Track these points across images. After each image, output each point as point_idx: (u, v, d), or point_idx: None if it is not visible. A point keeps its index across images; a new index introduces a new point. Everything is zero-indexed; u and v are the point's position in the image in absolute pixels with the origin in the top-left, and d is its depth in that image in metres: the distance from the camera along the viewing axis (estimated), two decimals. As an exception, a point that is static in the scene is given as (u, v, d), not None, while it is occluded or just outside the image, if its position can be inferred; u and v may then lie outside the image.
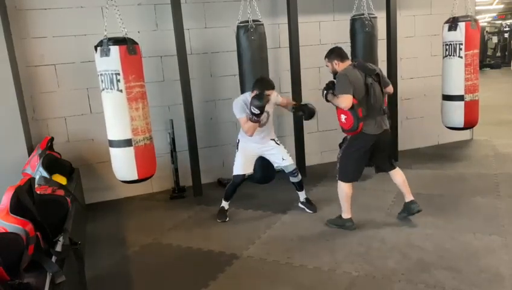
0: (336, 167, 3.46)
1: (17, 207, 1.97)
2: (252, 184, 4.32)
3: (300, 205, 4.01)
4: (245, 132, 3.61)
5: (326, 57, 3.42)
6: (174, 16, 4.23)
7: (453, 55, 4.63)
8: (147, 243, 3.57)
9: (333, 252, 3.13)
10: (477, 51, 4.63)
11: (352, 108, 3.13)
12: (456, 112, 4.72)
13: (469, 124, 4.86)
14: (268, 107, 3.65)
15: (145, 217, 4.15)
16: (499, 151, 5.52)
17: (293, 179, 3.91)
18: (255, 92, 3.53)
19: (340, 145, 3.56)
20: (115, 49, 3.43)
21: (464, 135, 6.04)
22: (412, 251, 3.07)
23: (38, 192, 2.61)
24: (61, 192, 3.07)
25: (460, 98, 4.66)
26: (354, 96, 3.12)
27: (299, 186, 3.96)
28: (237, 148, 3.83)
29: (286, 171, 3.88)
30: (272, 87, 3.59)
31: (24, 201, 2.07)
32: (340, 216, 3.52)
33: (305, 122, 4.88)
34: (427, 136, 5.89)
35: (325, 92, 3.39)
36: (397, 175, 3.54)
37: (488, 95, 8.09)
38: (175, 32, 4.25)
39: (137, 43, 3.61)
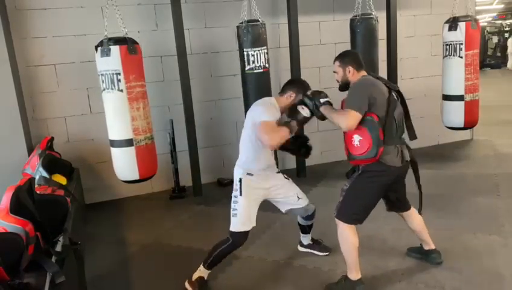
0: (339, 201, 2.62)
1: (17, 207, 1.97)
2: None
3: (305, 249, 3.20)
4: (269, 139, 2.45)
5: (338, 59, 2.62)
6: (174, 15, 4.23)
7: (453, 55, 4.62)
8: (147, 243, 3.57)
9: (333, 252, 3.12)
10: (477, 50, 4.63)
11: (371, 127, 2.38)
12: (456, 112, 4.72)
13: (469, 124, 4.85)
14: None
15: (145, 217, 4.15)
16: (499, 151, 5.52)
17: (308, 222, 3.03)
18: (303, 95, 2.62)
19: (348, 175, 2.67)
20: (115, 49, 3.43)
21: (464, 135, 6.04)
22: (412, 251, 3.07)
23: (38, 192, 2.61)
24: (61, 192, 3.07)
25: (460, 98, 4.66)
26: (374, 112, 2.40)
27: (309, 228, 3.11)
28: (239, 192, 2.66)
29: (305, 214, 2.94)
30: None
31: (24, 201, 2.07)
32: (346, 277, 2.64)
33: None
34: (427, 136, 5.87)
35: (317, 102, 2.52)
36: (415, 218, 2.82)
37: (488, 95, 8.08)
38: (175, 32, 4.25)
39: (137, 43, 3.61)
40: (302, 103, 2.57)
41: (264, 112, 2.53)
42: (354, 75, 2.55)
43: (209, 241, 3.46)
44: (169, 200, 4.56)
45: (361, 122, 2.38)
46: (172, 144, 4.59)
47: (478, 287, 2.60)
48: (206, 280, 2.76)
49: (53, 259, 1.99)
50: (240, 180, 2.66)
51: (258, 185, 2.69)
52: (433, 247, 2.87)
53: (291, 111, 2.58)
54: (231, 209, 2.67)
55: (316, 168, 5.21)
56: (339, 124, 2.41)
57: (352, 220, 2.56)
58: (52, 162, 3.64)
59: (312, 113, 2.53)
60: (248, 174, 2.66)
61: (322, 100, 2.54)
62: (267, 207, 4.06)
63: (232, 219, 2.66)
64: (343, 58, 2.60)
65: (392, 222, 3.57)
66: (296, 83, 2.75)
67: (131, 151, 3.59)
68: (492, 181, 4.41)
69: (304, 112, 2.51)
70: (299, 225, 3.09)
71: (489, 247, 3.07)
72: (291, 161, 5.10)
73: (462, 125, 4.79)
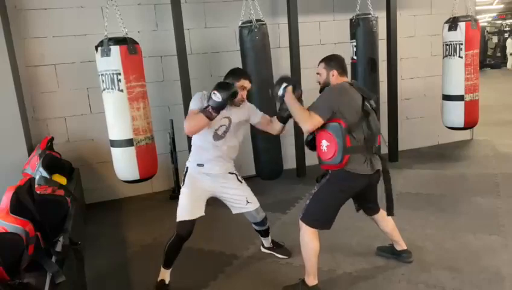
0: (305, 204, 2.64)
1: (17, 207, 1.97)
2: (251, 184, 4.31)
3: (266, 250, 3.20)
4: (186, 125, 2.51)
5: (324, 62, 2.61)
6: (174, 16, 4.22)
7: (453, 55, 4.62)
8: (147, 243, 3.57)
9: (333, 252, 3.13)
10: (477, 50, 4.63)
11: (338, 133, 2.37)
12: (456, 112, 4.73)
13: (469, 124, 4.86)
14: (237, 119, 2.68)
15: (145, 217, 4.15)
16: (499, 151, 5.52)
17: (261, 227, 3.06)
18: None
19: (318, 180, 2.69)
20: (115, 49, 3.43)
21: (464, 135, 6.05)
22: (412, 251, 3.06)
23: (38, 192, 2.61)
24: (61, 192, 3.07)
25: (460, 98, 4.66)
26: (341, 119, 2.37)
27: (266, 233, 3.13)
28: (182, 181, 2.74)
29: (254, 220, 2.97)
30: (249, 77, 2.70)
31: (24, 201, 2.07)
32: (303, 282, 2.63)
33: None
34: (427, 136, 5.89)
35: (282, 86, 2.55)
36: (386, 220, 2.85)
37: (488, 95, 8.09)
38: (175, 32, 4.25)
39: (137, 43, 3.61)
40: (221, 85, 2.48)
41: (193, 101, 2.61)
42: (336, 79, 2.57)
43: (209, 241, 3.48)
44: (169, 200, 4.55)
45: (329, 128, 2.41)
46: (172, 144, 4.59)
47: (478, 287, 2.60)
48: (167, 284, 2.76)
49: (53, 259, 1.99)
50: (186, 169, 2.75)
51: (201, 180, 2.72)
52: (405, 247, 2.94)
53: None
54: None
55: (316, 168, 5.18)
56: (301, 123, 2.43)
57: (314, 224, 2.55)
58: (52, 162, 3.64)
59: (221, 102, 2.42)
60: (198, 165, 2.72)
61: (281, 88, 2.53)
62: (267, 207, 4.07)
63: (177, 210, 2.68)
64: (330, 61, 2.60)
65: (392, 222, 3.57)
66: (229, 72, 2.70)
67: (131, 151, 3.58)
68: (492, 181, 4.41)
69: (215, 96, 2.41)
70: (255, 229, 3.11)
71: (489, 247, 3.07)
72: (291, 161, 5.10)
73: (462, 125, 4.80)
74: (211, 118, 2.45)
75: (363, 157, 2.46)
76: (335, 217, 2.58)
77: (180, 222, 2.64)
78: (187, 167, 2.76)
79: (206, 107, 2.44)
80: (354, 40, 4.55)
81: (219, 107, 2.43)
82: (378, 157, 2.56)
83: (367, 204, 2.83)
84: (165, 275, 2.76)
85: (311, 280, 2.60)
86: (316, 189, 2.61)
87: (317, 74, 2.65)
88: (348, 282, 2.76)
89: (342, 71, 2.59)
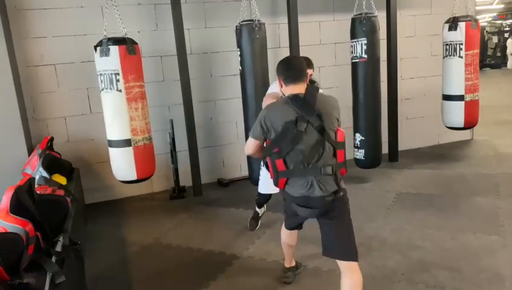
0: None
1: (17, 207, 1.97)
2: (252, 184, 4.31)
3: None
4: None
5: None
6: (174, 16, 4.23)
7: (453, 55, 4.62)
8: (147, 243, 3.57)
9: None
10: (477, 50, 4.63)
11: (271, 156, 2.14)
12: (456, 112, 4.72)
13: (469, 124, 4.86)
14: None
15: (145, 217, 4.15)
16: (499, 151, 5.52)
17: None
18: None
19: None
20: (114, 49, 3.43)
21: (464, 135, 6.04)
22: (412, 251, 3.07)
23: (38, 192, 2.61)
24: (61, 192, 3.07)
25: (460, 98, 4.66)
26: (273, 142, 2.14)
27: None
28: (264, 165, 3.18)
29: None
30: (311, 66, 2.78)
31: (24, 201, 2.07)
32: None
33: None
34: (427, 136, 5.89)
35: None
36: (349, 276, 2.17)
37: (488, 95, 8.09)
38: (175, 32, 4.25)
39: (136, 43, 3.61)
40: None
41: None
42: (283, 89, 2.20)
43: (208, 241, 3.48)
44: (169, 200, 4.55)
45: (267, 150, 2.19)
46: (172, 144, 4.59)
47: (478, 287, 2.60)
48: (260, 215, 3.68)
49: (53, 259, 1.99)
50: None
51: None
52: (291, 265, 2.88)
53: None
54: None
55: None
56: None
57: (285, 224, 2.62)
58: (52, 162, 3.64)
59: None
60: None
61: None
62: (267, 207, 4.07)
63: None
64: (277, 67, 2.23)
65: (392, 222, 3.58)
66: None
67: (129, 151, 3.58)
68: (492, 181, 4.41)
69: None
70: None
71: (489, 247, 3.07)
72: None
73: (462, 125, 4.80)
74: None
75: (300, 180, 2.14)
76: (295, 226, 2.53)
77: (259, 193, 3.51)
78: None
79: None
80: (364, 38, 4.36)
81: None
82: (337, 180, 2.14)
83: (325, 239, 2.26)
84: (259, 210, 3.68)
85: (287, 264, 2.87)
86: None
87: None
88: (348, 282, 2.76)
89: (286, 79, 2.16)
